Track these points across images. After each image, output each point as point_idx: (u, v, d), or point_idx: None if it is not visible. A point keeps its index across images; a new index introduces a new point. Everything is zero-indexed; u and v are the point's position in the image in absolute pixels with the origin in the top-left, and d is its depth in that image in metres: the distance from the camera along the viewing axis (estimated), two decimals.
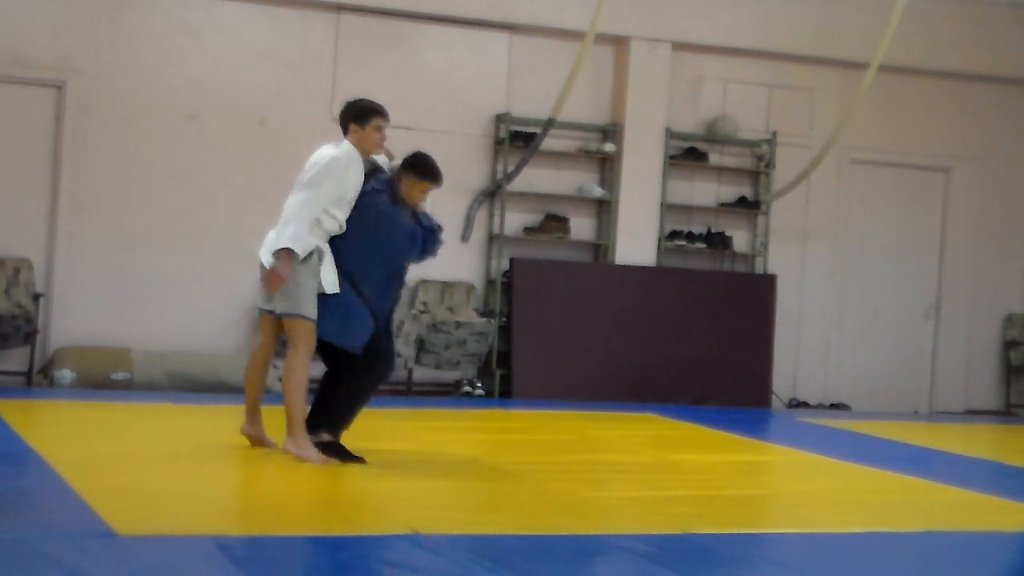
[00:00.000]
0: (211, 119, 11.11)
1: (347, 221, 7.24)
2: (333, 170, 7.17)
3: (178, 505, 5.95)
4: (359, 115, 7.37)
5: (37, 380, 10.50)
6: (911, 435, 10.67)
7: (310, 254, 7.12)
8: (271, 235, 7.26)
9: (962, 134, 13.28)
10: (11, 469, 6.72)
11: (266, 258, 7.23)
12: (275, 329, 7.44)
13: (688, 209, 12.39)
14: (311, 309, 7.15)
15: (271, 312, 7.33)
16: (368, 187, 7.29)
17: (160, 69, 11.00)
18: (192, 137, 11.08)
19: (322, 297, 7.17)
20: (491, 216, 11.86)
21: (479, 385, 11.52)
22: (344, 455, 7.17)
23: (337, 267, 7.22)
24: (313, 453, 7.12)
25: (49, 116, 10.80)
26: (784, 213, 12.61)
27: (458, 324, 11.34)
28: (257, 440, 7.51)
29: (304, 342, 7.18)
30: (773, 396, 12.41)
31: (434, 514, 6.19)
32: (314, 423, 7.26)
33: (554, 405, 11.00)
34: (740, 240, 12.59)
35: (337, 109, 11.12)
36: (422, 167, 7.35)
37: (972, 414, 13.21)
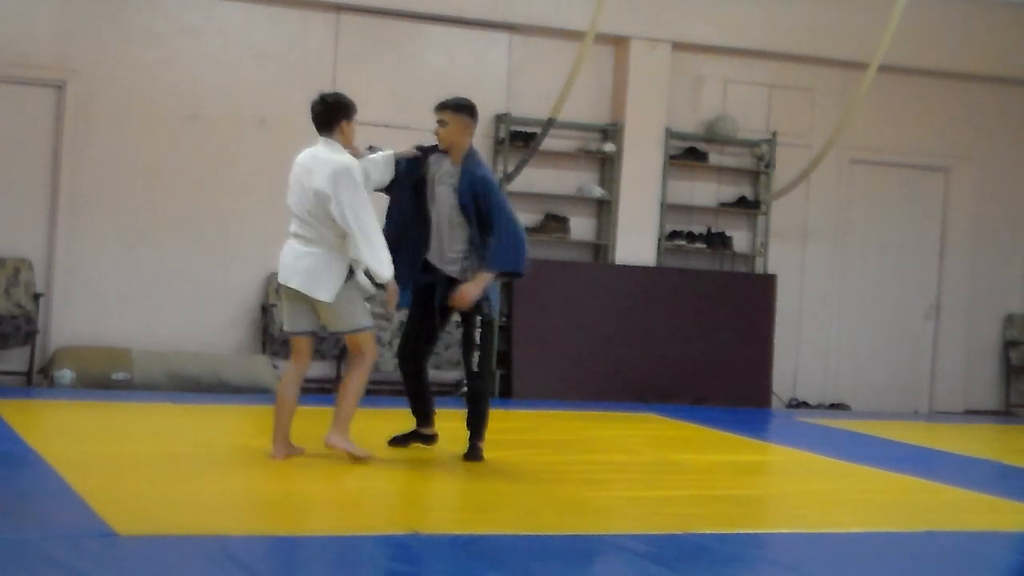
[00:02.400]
0: (211, 119, 11.11)
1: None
2: (358, 175, 7.21)
3: (178, 505, 5.94)
4: (350, 111, 7.36)
5: (37, 380, 10.50)
6: (911, 435, 10.67)
7: (350, 272, 7.22)
8: (291, 258, 7.27)
9: (962, 134, 13.28)
10: (11, 469, 6.71)
11: (299, 282, 7.23)
12: (310, 349, 7.50)
13: (688, 209, 12.39)
14: (366, 317, 7.33)
15: (306, 334, 7.40)
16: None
17: (160, 69, 11.00)
18: (192, 137, 11.08)
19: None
20: None
21: None
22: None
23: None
24: (356, 449, 7.28)
25: (49, 116, 10.80)
26: (784, 213, 12.61)
27: (458, 324, 11.30)
28: (291, 454, 7.43)
29: (370, 350, 7.39)
30: (773, 396, 12.41)
31: (434, 514, 6.20)
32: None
33: (554, 405, 11.00)
34: (740, 240, 12.59)
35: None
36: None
37: (972, 414, 13.21)
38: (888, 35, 10.57)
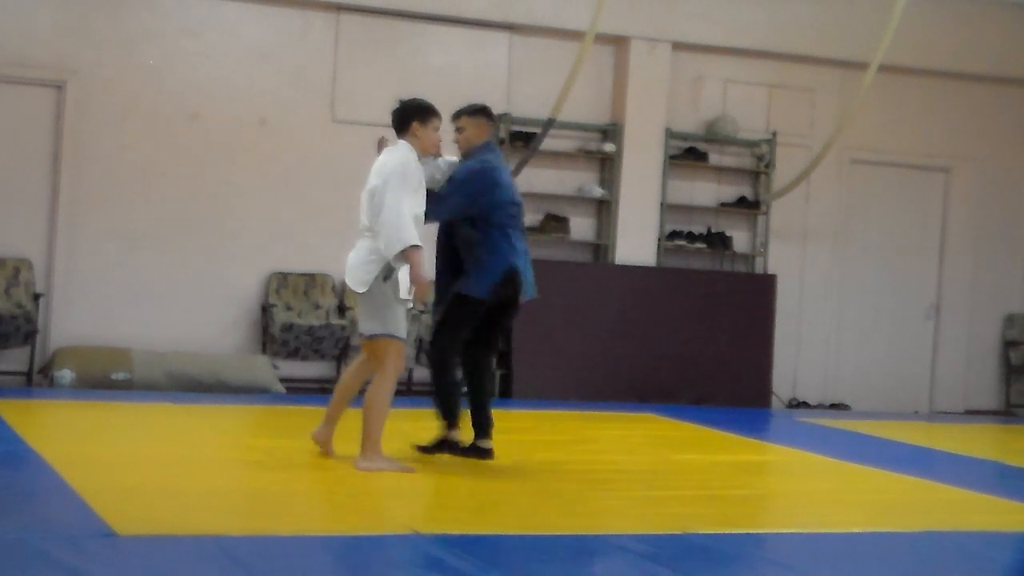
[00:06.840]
0: (211, 119, 11.11)
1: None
2: (411, 168, 7.12)
3: (178, 505, 5.95)
4: (423, 114, 7.31)
5: (37, 380, 10.51)
6: (911, 435, 10.67)
7: (391, 272, 7.02)
8: (352, 256, 7.14)
9: (962, 134, 13.29)
10: (11, 469, 6.72)
11: (352, 281, 7.12)
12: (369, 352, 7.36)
13: (688, 209, 12.39)
14: (397, 327, 7.10)
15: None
16: None
17: (160, 69, 11.00)
18: (192, 137, 11.08)
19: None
20: None
21: None
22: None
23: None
24: (392, 465, 7.09)
25: (49, 116, 10.80)
26: (784, 213, 12.61)
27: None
28: (324, 446, 7.40)
29: (392, 362, 7.11)
30: (773, 396, 12.41)
31: (434, 514, 6.19)
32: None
33: (554, 405, 11.00)
34: (740, 240, 12.59)
35: (337, 109, 11.29)
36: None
37: (972, 414, 13.21)
38: (888, 35, 10.57)
